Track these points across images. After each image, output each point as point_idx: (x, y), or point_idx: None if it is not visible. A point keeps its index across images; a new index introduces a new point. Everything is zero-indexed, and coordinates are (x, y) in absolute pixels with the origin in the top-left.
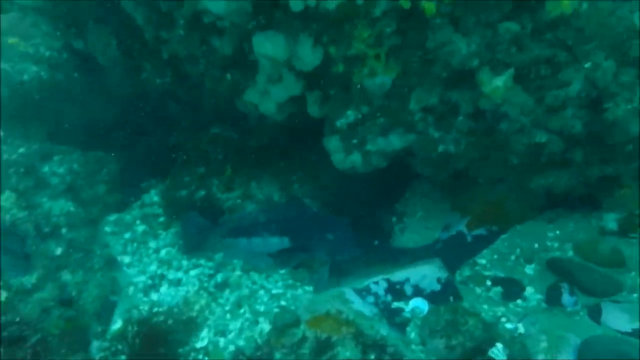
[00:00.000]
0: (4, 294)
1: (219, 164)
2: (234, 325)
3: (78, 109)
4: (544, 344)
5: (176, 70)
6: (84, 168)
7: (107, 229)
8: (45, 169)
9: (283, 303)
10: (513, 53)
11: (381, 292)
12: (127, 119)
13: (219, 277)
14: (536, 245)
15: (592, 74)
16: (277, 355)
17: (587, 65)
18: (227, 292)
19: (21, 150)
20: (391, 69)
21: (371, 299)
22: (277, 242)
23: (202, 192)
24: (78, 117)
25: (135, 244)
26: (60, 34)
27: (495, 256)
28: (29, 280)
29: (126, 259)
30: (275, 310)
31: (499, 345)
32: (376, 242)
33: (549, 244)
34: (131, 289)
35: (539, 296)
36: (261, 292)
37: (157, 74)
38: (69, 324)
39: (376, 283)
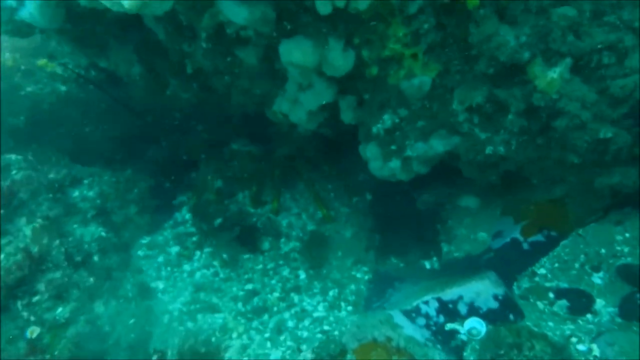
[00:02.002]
0: (37, 330)
1: (244, 180)
2: (275, 355)
3: (105, 127)
4: None
5: (202, 83)
6: (115, 189)
7: (140, 252)
8: (76, 193)
9: (326, 328)
10: (570, 41)
11: (432, 312)
12: (154, 135)
13: (257, 301)
14: (603, 251)
15: None
16: None
17: None
18: (265, 316)
19: (51, 175)
20: (430, 69)
21: (422, 321)
22: None
23: (233, 208)
24: (105, 135)
25: (169, 268)
26: (83, 53)
27: (557, 264)
28: (63, 313)
29: (160, 285)
30: (319, 336)
31: None
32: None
33: (618, 248)
34: (166, 318)
35: (611, 309)
36: (302, 315)
37: (182, 88)
38: None
39: (426, 303)
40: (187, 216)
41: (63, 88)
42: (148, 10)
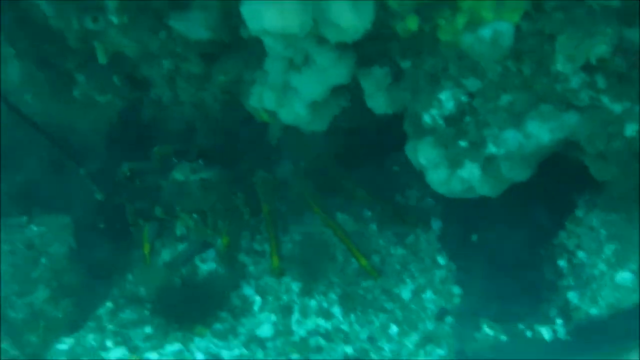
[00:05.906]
0: None
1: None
2: None
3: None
4: None
5: (128, 75)
6: (10, 265)
7: None
8: None
9: None
10: None
11: None
12: (59, 168)
13: None
14: None
15: None
16: None
17: None
18: None
19: None
20: (510, 8)
21: None
22: None
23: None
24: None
25: None
26: None
27: None
28: None
29: None
30: None
31: None
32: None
33: None
34: None
35: None
36: None
37: (97, 87)
38: None
39: None
40: (140, 289)
41: None
42: None
